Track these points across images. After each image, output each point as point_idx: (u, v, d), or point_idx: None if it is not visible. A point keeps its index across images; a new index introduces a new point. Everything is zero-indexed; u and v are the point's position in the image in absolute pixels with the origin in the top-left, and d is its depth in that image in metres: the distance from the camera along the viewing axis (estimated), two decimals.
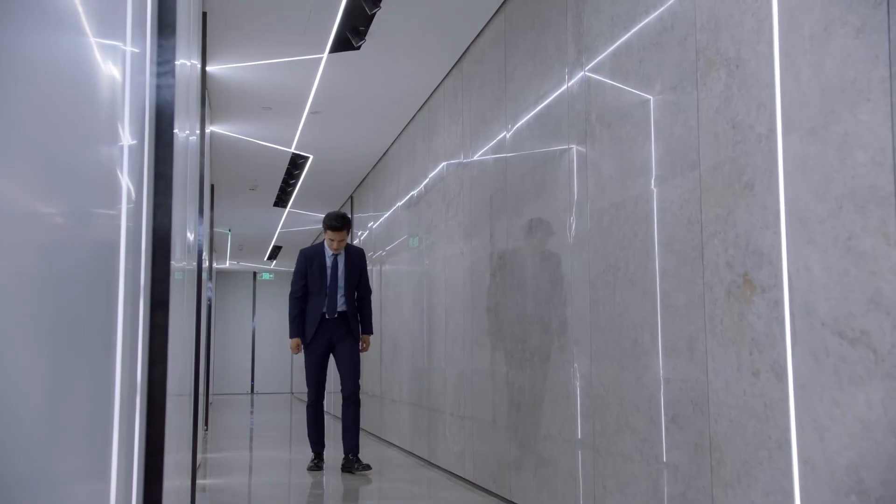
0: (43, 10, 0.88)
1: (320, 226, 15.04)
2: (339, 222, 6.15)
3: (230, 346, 20.53)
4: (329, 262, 6.20)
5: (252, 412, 15.11)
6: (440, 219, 6.37)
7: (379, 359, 8.82)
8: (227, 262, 18.99)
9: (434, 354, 6.43)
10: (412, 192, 7.39)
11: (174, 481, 2.78)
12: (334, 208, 12.97)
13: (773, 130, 2.41)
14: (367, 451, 7.71)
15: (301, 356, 6.41)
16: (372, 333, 6.37)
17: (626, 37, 3.38)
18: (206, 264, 6.43)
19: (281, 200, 11.42)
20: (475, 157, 5.47)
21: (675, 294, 2.93)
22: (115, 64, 1.47)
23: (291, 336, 6.22)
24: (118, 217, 1.58)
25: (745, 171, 2.54)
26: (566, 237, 3.90)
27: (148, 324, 2.09)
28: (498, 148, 4.98)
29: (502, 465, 4.76)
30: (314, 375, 6.21)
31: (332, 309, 6.14)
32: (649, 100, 3.17)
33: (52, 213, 1.01)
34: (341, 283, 6.17)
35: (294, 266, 6.42)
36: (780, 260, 2.35)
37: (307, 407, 6.32)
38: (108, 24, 1.44)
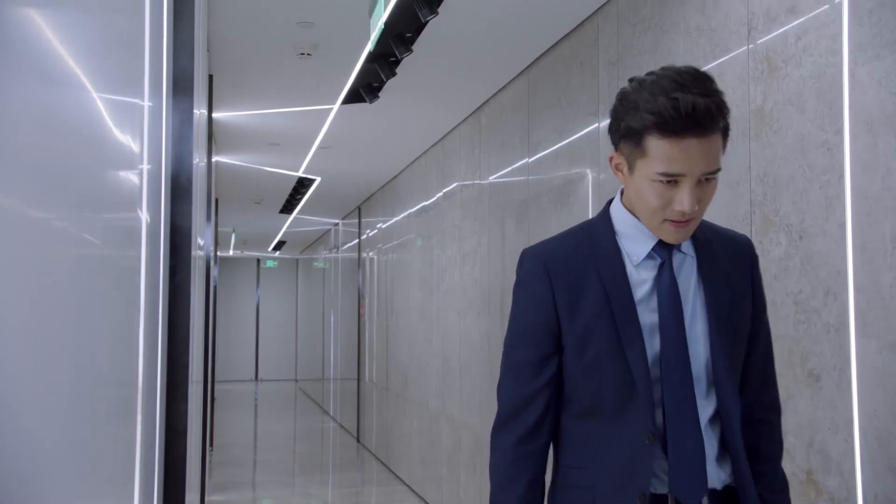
0: (69, 76, 1.07)
1: (329, 227, 12.56)
2: (700, 102, 1.48)
3: (234, 333, 20.40)
4: (648, 283, 1.68)
5: (256, 411, 14.99)
6: (455, 270, 6.14)
7: (385, 388, 8.63)
8: (231, 252, 18.77)
9: (446, 408, 6.22)
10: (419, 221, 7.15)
11: None
12: (340, 216, 12.30)
13: (844, 325, 2.19)
14: (379, 488, 7.57)
15: None
16: None
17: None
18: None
19: (286, 210, 11.18)
20: (496, 219, 5.23)
21: None
22: (135, 118, 1.68)
23: None
24: (139, 219, 1.75)
25: (809, 358, 2.32)
26: None
27: (167, 316, 2.18)
28: (521, 217, 4.75)
29: None
30: None
31: (689, 487, 1.55)
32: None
33: (85, 219, 1.17)
34: (706, 369, 1.66)
35: (515, 305, 1.76)
36: (854, 476, 2.15)
37: None
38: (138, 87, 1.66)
